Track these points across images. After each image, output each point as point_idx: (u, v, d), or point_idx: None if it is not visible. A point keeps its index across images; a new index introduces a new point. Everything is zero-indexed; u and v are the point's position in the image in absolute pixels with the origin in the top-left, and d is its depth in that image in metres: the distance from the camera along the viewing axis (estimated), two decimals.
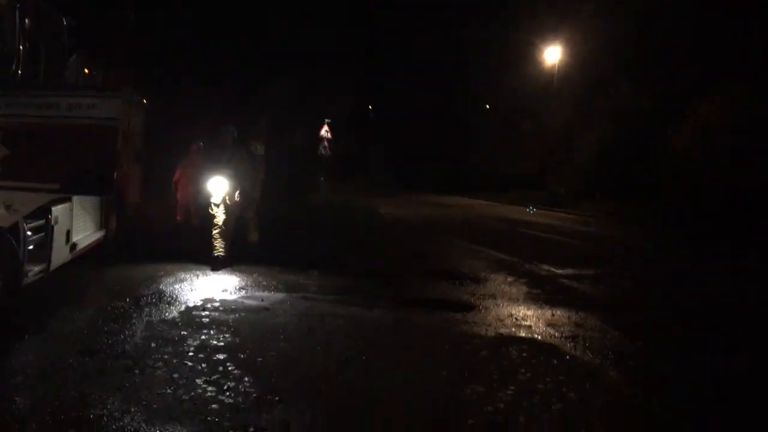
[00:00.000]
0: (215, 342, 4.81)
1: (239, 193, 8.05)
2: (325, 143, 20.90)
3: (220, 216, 7.90)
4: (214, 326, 5.22)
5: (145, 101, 10.08)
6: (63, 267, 6.00)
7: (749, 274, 10.49)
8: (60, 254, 5.74)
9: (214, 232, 7.90)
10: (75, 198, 5.99)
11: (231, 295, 6.43)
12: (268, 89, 17.74)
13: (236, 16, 16.64)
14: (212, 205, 7.94)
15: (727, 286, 9.26)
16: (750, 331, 6.31)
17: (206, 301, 6.08)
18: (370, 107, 48.77)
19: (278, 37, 18.15)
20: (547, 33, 27.11)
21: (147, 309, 5.63)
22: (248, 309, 5.91)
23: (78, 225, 6.25)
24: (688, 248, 14.20)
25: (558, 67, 26.89)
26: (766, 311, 7.37)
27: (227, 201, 7.91)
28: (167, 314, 5.52)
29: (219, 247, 7.83)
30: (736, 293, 8.59)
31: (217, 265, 7.72)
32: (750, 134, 18.13)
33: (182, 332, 5.00)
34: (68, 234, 5.94)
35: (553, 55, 27.00)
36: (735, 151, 18.40)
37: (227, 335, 4.99)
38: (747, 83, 18.76)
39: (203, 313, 5.62)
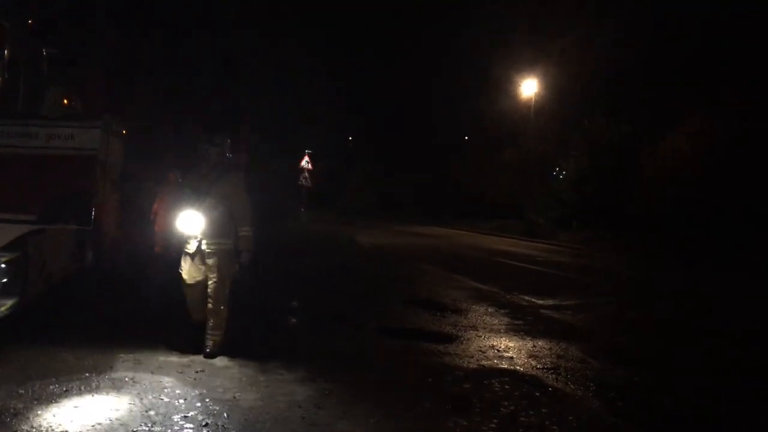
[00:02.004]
0: None
1: (233, 235, 5.31)
2: (306, 174, 20.93)
3: (205, 274, 5.25)
4: None
5: (124, 131, 10.01)
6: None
7: (726, 297, 10.65)
8: (35, 287, 5.61)
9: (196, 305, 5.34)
10: (52, 229, 5.88)
11: None
12: (249, 117, 17.81)
13: (216, 43, 16.75)
14: (185, 254, 5.28)
15: (706, 309, 9.38)
16: (731, 354, 6.38)
17: None
18: (350, 138, 49.13)
19: (259, 64, 18.29)
20: (524, 66, 27.75)
21: None
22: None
23: (54, 256, 6.13)
24: (665, 274, 14.41)
25: (535, 99, 27.45)
26: (746, 333, 7.47)
27: (214, 252, 5.22)
28: None
29: (213, 335, 5.22)
30: (715, 316, 8.70)
31: (212, 353, 5.19)
32: (717, 162, 18.72)
33: None
34: (44, 265, 5.82)
35: (530, 87, 27.58)
36: (704, 177, 18.95)
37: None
38: (713, 114, 19.42)
39: None
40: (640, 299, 10.45)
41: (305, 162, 20.94)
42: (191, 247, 5.22)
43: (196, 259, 5.23)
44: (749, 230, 16.77)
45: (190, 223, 5.18)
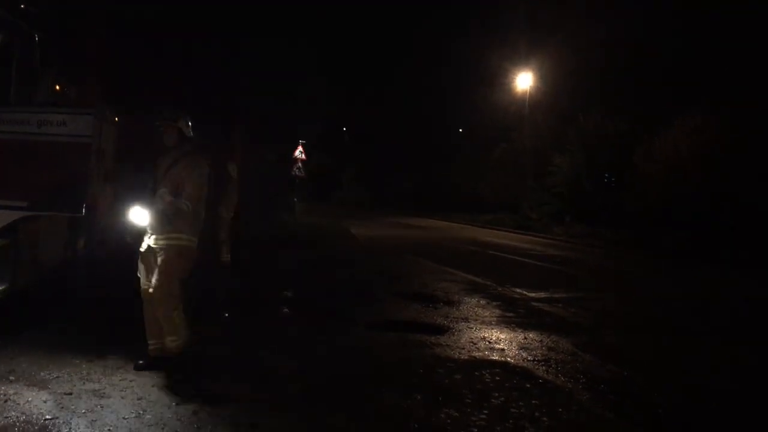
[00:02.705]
0: None
1: (189, 229, 4.59)
2: (299, 164, 20.85)
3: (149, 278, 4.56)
4: None
5: (117, 118, 9.95)
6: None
7: (720, 294, 10.72)
8: (26, 274, 5.59)
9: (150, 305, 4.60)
10: (44, 216, 5.85)
11: None
12: (242, 107, 17.70)
13: (210, 33, 16.61)
14: (138, 254, 4.67)
15: (698, 307, 9.43)
16: (722, 350, 6.43)
17: None
18: (344, 129, 49.02)
19: (253, 55, 18.17)
20: (518, 60, 27.73)
21: None
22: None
23: (45, 244, 6.09)
24: (657, 269, 14.48)
25: (529, 93, 27.46)
26: (737, 330, 7.53)
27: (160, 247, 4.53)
28: None
29: (169, 341, 4.55)
30: (707, 312, 8.76)
31: (145, 364, 4.56)
32: (713, 159, 18.78)
33: None
34: (35, 253, 5.78)
35: (524, 81, 27.58)
36: (699, 174, 19.03)
37: None
38: (710, 111, 19.45)
39: None
40: (631, 295, 10.50)
41: (299, 152, 20.85)
42: (143, 245, 4.60)
43: (150, 258, 4.57)
44: (745, 228, 16.84)
45: (138, 216, 4.56)
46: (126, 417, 3.67)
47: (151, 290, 4.50)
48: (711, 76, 20.41)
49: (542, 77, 27.38)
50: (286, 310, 7.05)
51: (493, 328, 6.76)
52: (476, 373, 5.05)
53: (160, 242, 4.52)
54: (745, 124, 18.42)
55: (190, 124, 4.76)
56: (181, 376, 4.42)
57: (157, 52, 15.09)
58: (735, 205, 17.74)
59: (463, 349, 5.80)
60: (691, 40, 21.31)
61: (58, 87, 6.32)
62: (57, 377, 4.24)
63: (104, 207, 8.81)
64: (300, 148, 20.77)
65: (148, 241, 4.56)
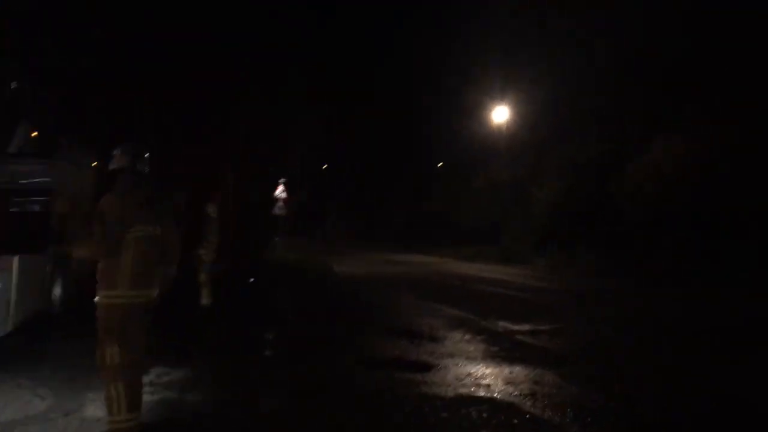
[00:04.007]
0: None
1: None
2: (281, 203, 20.87)
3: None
4: None
5: (95, 163, 9.94)
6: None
7: (705, 318, 10.78)
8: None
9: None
10: (16, 265, 5.75)
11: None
12: (223, 144, 17.75)
13: (189, 72, 16.73)
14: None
15: (683, 331, 9.48)
16: (709, 378, 6.45)
17: None
18: (324, 166, 49.21)
19: (233, 94, 18.33)
20: (495, 93, 28.32)
21: None
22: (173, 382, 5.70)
23: (20, 294, 5.98)
24: (641, 295, 14.55)
25: (506, 125, 27.97)
26: (723, 357, 7.56)
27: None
28: None
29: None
30: (693, 339, 8.79)
31: None
32: (688, 180, 19.09)
33: None
34: (8, 304, 5.67)
35: (501, 114, 28.13)
36: (676, 197, 19.32)
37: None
38: (681, 132, 19.86)
39: None
40: (615, 322, 10.53)
41: (280, 191, 20.88)
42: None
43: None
44: (728, 246, 16.96)
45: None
46: None
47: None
48: (685, 98, 20.82)
49: (518, 110, 27.95)
50: (267, 353, 6.95)
51: (478, 364, 6.72)
52: (463, 410, 5.00)
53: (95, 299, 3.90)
54: (719, 143, 18.80)
55: (123, 155, 3.97)
56: None
57: (135, 98, 15.18)
58: (717, 224, 17.92)
59: (450, 386, 5.76)
60: (663, 64, 21.89)
61: (34, 134, 6.30)
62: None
63: (83, 252, 8.69)
64: (282, 187, 20.82)
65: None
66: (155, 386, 5.15)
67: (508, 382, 5.97)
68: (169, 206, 4.13)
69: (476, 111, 30.48)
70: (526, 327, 9.20)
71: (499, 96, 28.07)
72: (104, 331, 3.73)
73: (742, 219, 17.23)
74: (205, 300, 9.25)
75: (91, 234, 3.84)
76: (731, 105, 18.59)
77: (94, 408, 4.59)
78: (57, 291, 7.48)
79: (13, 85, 6.09)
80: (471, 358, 6.98)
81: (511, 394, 5.55)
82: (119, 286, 3.75)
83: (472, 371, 6.35)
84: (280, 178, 21.09)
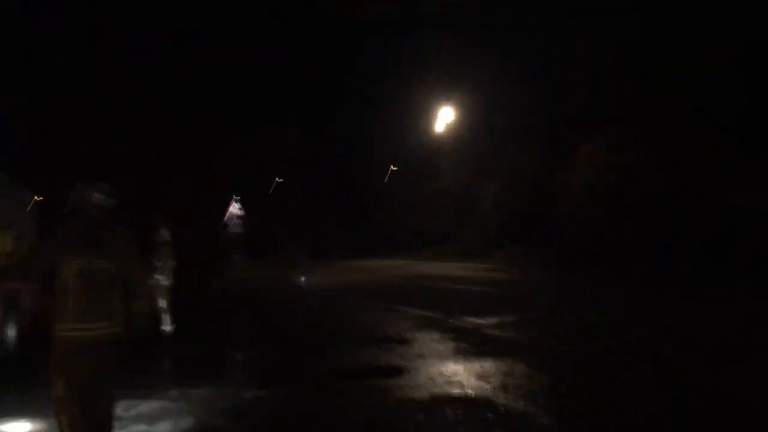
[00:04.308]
0: None
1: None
2: (237, 220, 20.56)
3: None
4: None
5: (38, 198, 9.62)
6: None
7: (653, 308, 11.15)
8: None
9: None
10: None
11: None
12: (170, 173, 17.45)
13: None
14: None
15: (638, 319, 9.79)
16: (671, 364, 6.67)
17: None
18: (277, 179, 48.72)
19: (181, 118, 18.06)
20: (439, 96, 28.70)
21: None
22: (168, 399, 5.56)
23: None
24: (593, 286, 14.95)
25: (452, 127, 28.47)
26: (679, 341, 7.85)
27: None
28: None
29: None
30: (647, 325, 9.10)
31: None
32: (623, 174, 20.07)
33: None
34: None
35: (446, 116, 28.59)
36: (615, 192, 20.22)
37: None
38: (618, 131, 20.83)
39: None
40: (574, 312, 10.77)
41: (236, 208, 20.58)
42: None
43: None
44: (667, 244, 17.72)
45: None
46: None
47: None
48: (613, 100, 21.76)
49: (461, 115, 28.57)
50: (236, 375, 6.83)
51: (449, 362, 6.77)
52: (438, 410, 5.03)
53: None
54: (636, 154, 19.93)
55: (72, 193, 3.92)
56: None
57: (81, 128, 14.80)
58: (641, 220, 18.94)
59: (423, 387, 5.78)
60: (593, 71, 22.77)
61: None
62: None
63: (30, 293, 8.38)
64: (236, 204, 20.52)
65: None
66: (123, 420, 4.99)
67: (480, 377, 6.04)
68: (130, 241, 3.99)
69: (421, 116, 30.88)
70: (492, 321, 9.33)
71: (443, 100, 28.59)
72: (51, 363, 3.66)
73: (658, 216, 18.30)
74: (166, 327, 9.03)
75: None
76: (650, 119, 19.74)
77: None
78: (8, 337, 7.17)
79: None
80: (441, 357, 7.03)
81: (483, 389, 5.61)
82: (67, 320, 3.70)
83: (443, 370, 6.40)
84: (234, 196, 20.79)
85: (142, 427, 4.95)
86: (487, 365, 6.48)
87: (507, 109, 25.43)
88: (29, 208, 9.10)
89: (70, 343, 3.69)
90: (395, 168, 39.72)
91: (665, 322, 9.04)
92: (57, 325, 3.71)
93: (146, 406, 5.48)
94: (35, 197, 9.58)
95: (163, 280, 9.02)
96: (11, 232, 6.98)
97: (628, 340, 7.67)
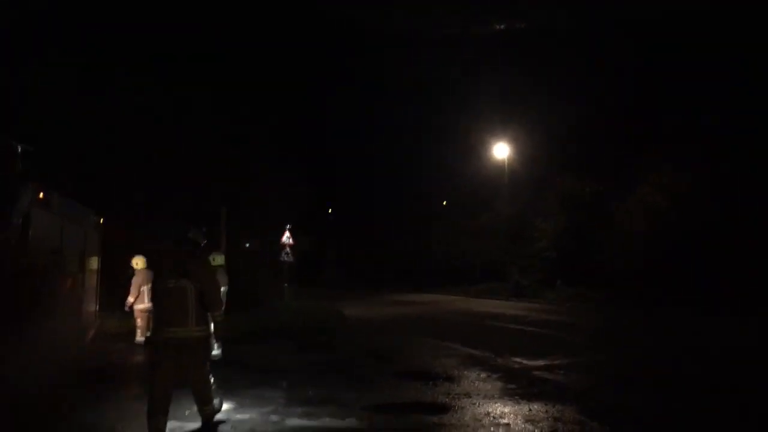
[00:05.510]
0: None
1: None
2: (287, 249, 20.84)
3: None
4: None
5: (101, 220, 10.02)
6: None
7: (717, 346, 10.61)
8: None
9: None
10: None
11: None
12: (222, 197, 17.90)
13: (186, 121, 17.05)
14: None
15: (695, 360, 9.31)
16: (726, 405, 6.29)
17: None
18: (330, 209, 49.38)
19: (230, 141, 18.60)
20: (495, 130, 28.66)
21: None
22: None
23: None
24: (649, 325, 14.38)
25: (508, 161, 28.14)
26: (739, 384, 7.40)
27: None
28: None
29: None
30: (707, 367, 8.62)
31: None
32: (684, 210, 19.35)
33: None
34: None
35: (502, 151, 28.35)
36: (674, 226, 19.49)
37: None
38: (679, 167, 20.23)
39: None
40: (629, 354, 10.37)
41: (286, 237, 20.88)
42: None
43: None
44: (728, 273, 16.98)
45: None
46: None
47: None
48: (673, 134, 21.27)
49: (519, 147, 28.23)
50: (281, 401, 6.80)
51: (496, 402, 6.58)
52: None
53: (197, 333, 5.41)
54: (714, 174, 19.17)
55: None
56: None
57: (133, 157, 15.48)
58: (712, 253, 18.07)
59: (468, 426, 5.62)
60: (659, 96, 22.42)
61: (41, 195, 6.36)
62: None
63: (71, 308, 8.70)
64: (287, 234, 20.83)
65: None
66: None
67: (528, 420, 5.83)
68: (209, 266, 5.83)
69: (477, 149, 30.77)
70: (541, 362, 9.05)
71: (500, 133, 28.42)
72: (150, 357, 5.55)
73: (736, 246, 17.42)
74: (215, 351, 9.14)
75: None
76: (716, 141, 19.16)
77: None
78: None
79: (20, 148, 6.19)
80: (488, 397, 6.84)
81: None
82: (162, 324, 5.23)
83: (490, 410, 6.21)
84: (285, 224, 21.11)
85: None
86: (536, 408, 6.25)
87: (562, 137, 25.19)
88: (95, 228, 9.50)
89: (159, 344, 5.17)
90: (444, 204, 39.64)
91: (724, 364, 8.57)
92: (154, 328, 5.32)
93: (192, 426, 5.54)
94: (100, 219, 9.99)
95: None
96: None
97: (681, 385, 7.27)
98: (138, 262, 11.21)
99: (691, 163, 19.80)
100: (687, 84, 21.50)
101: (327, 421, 5.89)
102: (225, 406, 6.15)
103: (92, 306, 9.27)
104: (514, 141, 28.25)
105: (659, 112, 22.59)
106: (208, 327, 5.45)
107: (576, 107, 24.80)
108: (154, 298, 5.48)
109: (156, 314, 5.40)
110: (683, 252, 18.79)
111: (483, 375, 8.17)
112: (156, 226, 13.99)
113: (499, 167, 28.95)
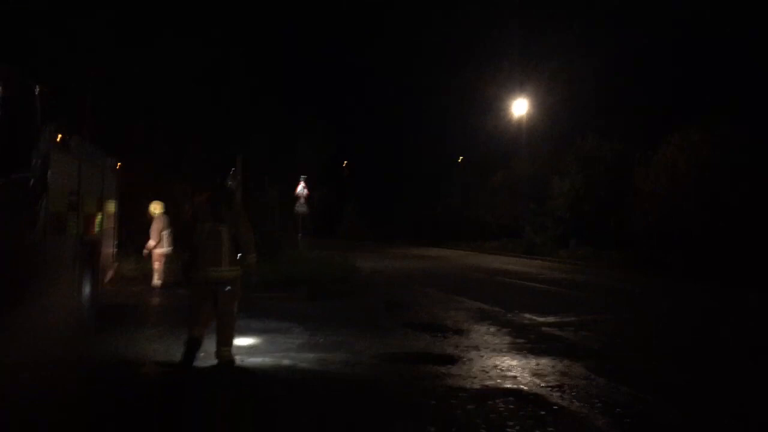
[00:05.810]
0: None
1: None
2: (302, 200, 20.89)
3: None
4: None
5: (119, 165, 10.09)
6: None
7: (726, 313, 10.60)
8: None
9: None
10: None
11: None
12: (241, 146, 17.85)
13: (208, 72, 16.87)
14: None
15: (705, 325, 9.33)
16: (735, 372, 6.33)
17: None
18: (345, 163, 49.31)
19: (251, 95, 18.42)
20: (514, 87, 28.01)
21: None
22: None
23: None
24: (663, 289, 14.35)
25: (525, 118, 27.63)
26: (746, 351, 7.42)
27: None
28: None
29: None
30: (716, 332, 8.65)
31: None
32: (710, 174, 18.83)
33: None
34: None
35: (520, 107, 27.77)
36: (698, 190, 19.04)
37: None
38: (702, 127, 19.65)
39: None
40: (640, 316, 10.40)
41: (301, 188, 20.89)
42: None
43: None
44: (748, 244, 16.69)
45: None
46: None
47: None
48: (704, 94, 20.69)
49: (538, 104, 27.62)
50: (293, 346, 6.96)
51: (504, 356, 6.67)
52: (489, 402, 4.97)
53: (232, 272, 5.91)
54: (739, 139, 18.60)
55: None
56: None
57: (157, 104, 15.43)
58: (737, 220, 17.66)
59: (476, 378, 5.72)
60: (683, 60, 21.74)
61: (60, 136, 6.39)
62: None
63: (105, 253, 8.88)
64: (302, 184, 20.83)
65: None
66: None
67: (535, 374, 5.92)
68: (242, 212, 6.11)
69: (495, 105, 30.19)
70: (551, 319, 9.12)
71: (518, 89, 27.76)
72: (191, 291, 5.94)
73: (761, 216, 16.98)
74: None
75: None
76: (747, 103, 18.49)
77: None
78: (86, 294, 7.59)
79: (37, 89, 6.17)
80: (496, 351, 6.93)
81: (538, 385, 5.49)
82: (199, 265, 5.69)
83: (497, 363, 6.31)
84: (300, 176, 21.09)
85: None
86: (543, 363, 6.34)
87: (586, 98, 24.62)
88: (113, 173, 9.59)
89: (199, 282, 5.71)
90: (461, 159, 39.32)
91: (727, 328, 8.60)
92: (193, 269, 5.73)
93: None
94: (118, 164, 10.06)
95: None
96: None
97: (692, 349, 7.31)
98: (156, 208, 11.42)
99: (718, 127, 19.24)
100: (718, 46, 20.78)
101: (338, 367, 6.03)
102: (238, 348, 6.30)
103: (110, 248, 9.44)
104: (534, 98, 27.67)
105: (685, 72, 21.95)
106: (239, 268, 5.86)
107: (598, 63, 24.17)
108: (188, 241, 5.84)
109: (191, 256, 5.78)
110: (705, 218, 18.44)
111: (492, 329, 8.26)
112: (186, 175, 14.30)
113: (517, 124, 28.48)
